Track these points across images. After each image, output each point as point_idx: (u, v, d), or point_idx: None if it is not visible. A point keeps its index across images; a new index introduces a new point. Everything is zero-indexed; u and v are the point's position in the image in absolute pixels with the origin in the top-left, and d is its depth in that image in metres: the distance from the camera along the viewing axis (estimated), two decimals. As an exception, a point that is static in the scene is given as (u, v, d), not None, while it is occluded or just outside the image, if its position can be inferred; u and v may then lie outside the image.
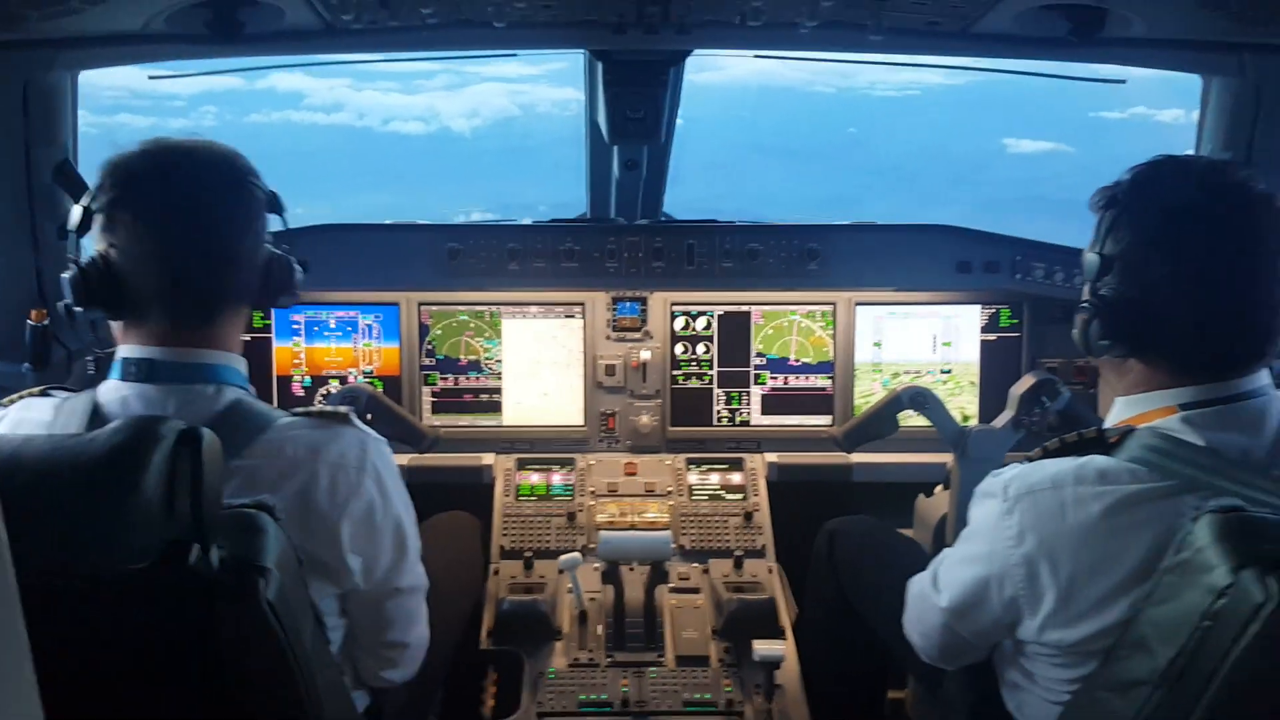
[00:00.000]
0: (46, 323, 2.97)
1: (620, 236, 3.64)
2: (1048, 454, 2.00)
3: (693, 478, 3.58)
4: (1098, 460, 1.90)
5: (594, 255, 3.63)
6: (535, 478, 3.56)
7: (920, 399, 2.99)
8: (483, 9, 2.63)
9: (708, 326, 3.72)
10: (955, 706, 2.44)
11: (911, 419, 3.04)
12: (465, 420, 3.71)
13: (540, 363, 3.72)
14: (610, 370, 3.69)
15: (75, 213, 2.05)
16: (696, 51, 3.11)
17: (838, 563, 3.00)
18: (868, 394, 3.71)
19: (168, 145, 2.05)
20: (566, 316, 3.71)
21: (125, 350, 2.06)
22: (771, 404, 3.74)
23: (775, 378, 3.73)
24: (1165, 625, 1.69)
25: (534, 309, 3.70)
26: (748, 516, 3.42)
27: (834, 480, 3.62)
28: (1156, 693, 1.68)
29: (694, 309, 3.71)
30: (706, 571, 3.21)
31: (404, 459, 3.40)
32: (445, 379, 3.71)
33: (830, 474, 3.61)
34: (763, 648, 2.62)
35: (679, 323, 3.72)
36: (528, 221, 3.79)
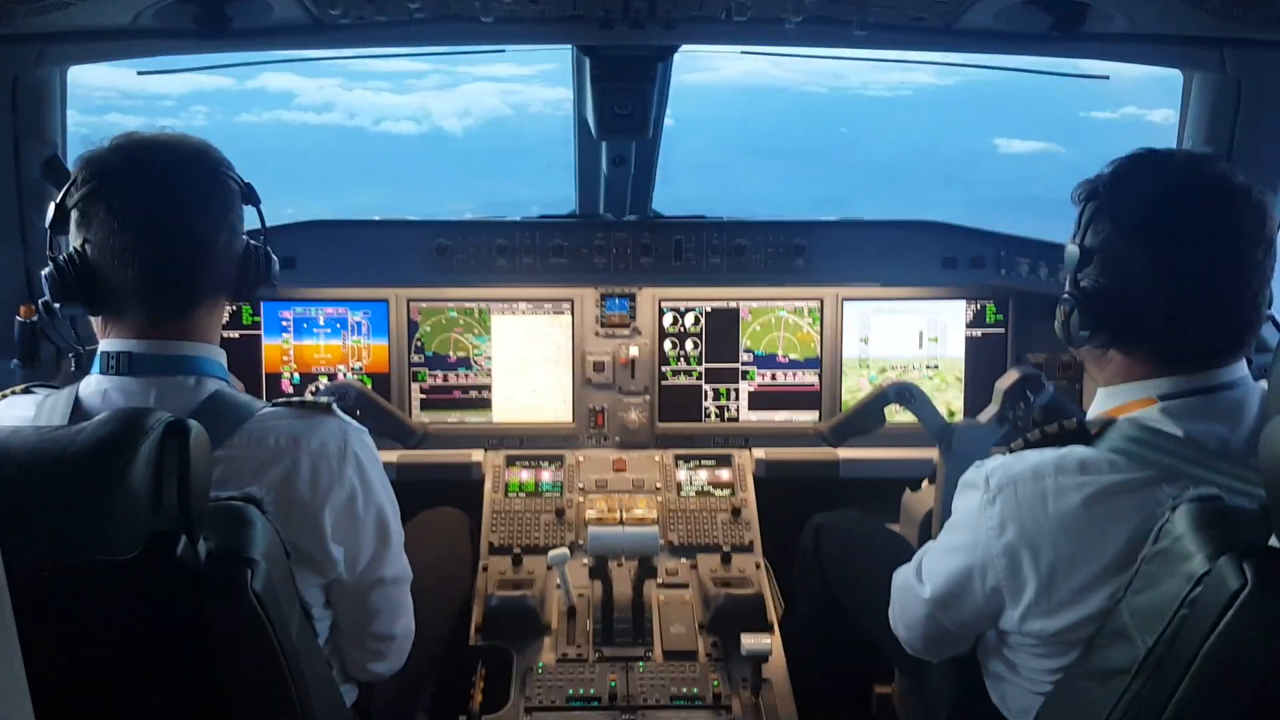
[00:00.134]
0: (35, 319, 2.98)
1: (609, 233, 3.66)
2: (1029, 445, 2.02)
3: (681, 474, 3.60)
4: (1078, 451, 1.92)
5: (582, 252, 3.64)
6: (525, 474, 3.57)
7: (906, 394, 3.01)
8: (470, 4, 2.64)
9: (696, 323, 3.73)
10: (940, 699, 2.46)
11: (898, 414, 3.06)
12: (454, 417, 3.72)
13: (529, 359, 3.72)
14: (599, 366, 3.70)
15: (50, 209, 2.06)
16: (685, 49, 3.12)
17: (824, 557, 3.02)
18: (855, 390, 3.72)
19: (140, 139, 2.07)
20: (555, 313, 3.72)
21: (105, 344, 2.08)
22: (759, 400, 3.75)
23: (763, 374, 3.75)
24: (1145, 613, 1.71)
25: (523, 305, 3.71)
26: (735, 512, 3.44)
27: (821, 476, 3.64)
28: (1136, 681, 1.70)
29: (682, 305, 3.73)
30: (694, 567, 3.22)
31: (393, 455, 3.42)
32: (434, 375, 3.71)
33: (817, 470, 3.62)
34: (750, 642, 2.63)
35: (667, 319, 3.73)
36: (517, 218, 3.80)
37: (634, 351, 3.69)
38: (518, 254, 3.62)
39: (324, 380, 3.63)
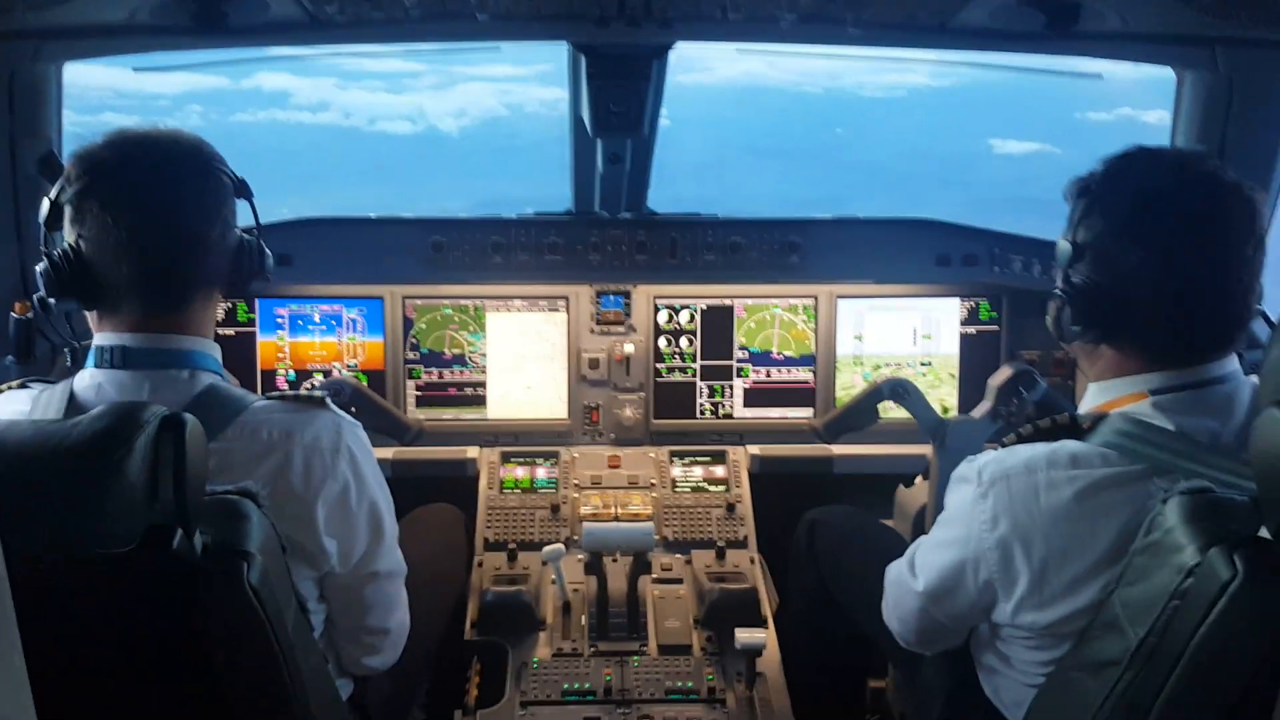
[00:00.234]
0: (30, 315, 2.98)
1: (604, 230, 3.66)
2: (1022, 440, 2.03)
3: (676, 470, 3.61)
4: (1070, 445, 1.94)
5: (577, 249, 3.64)
6: (520, 471, 3.58)
7: (900, 390, 3.03)
8: (465, 0, 2.64)
9: (691, 320, 3.74)
10: (933, 692, 2.47)
11: (892, 411, 3.07)
12: (449, 414, 3.72)
13: (524, 356, 3.73)
14: (594, 363, 3.71)
15: (45, 205, 2.06)
16: (680, 49, 3.13)
17: (818, 552, 3.03)
18: (849, 386, 3.73)
19: (133, 136, 2.07)
20: (550, 310, 3.72)
21: (99, 338, 2.09)
22: (754, 397, 3.76)
23: (758, 370, 3.76)
24: (1136, 605, 1.72)
25: (518, 302, 3.72)
26: (730, 508, 3.45)
27: (815, 472, 3.65)
28: (1128, 672, 1.71)
29: (677, 302, 3.74)
30: (689, 562, 3.23)
31: (389, 452, 3.43)
32: (429, 372, 3.72)
33: (812, 465, 3.63)
34: (745, 636, 2.64)
35: (662, 316, 3.74)
36: (512, 216, 3.80)
37: (629, 348, 3.70)
38: (513, 251, 3.62)
39: (319, 377, 3.63)
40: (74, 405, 1.99)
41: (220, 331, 3.41)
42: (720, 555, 3.20)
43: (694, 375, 3.76)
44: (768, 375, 3.76)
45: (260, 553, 1.75)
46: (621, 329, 3.73)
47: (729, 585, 3.04)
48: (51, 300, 2.08)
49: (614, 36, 2.91)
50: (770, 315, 3.75)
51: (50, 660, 1.38)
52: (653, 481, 3.56)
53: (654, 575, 3.12)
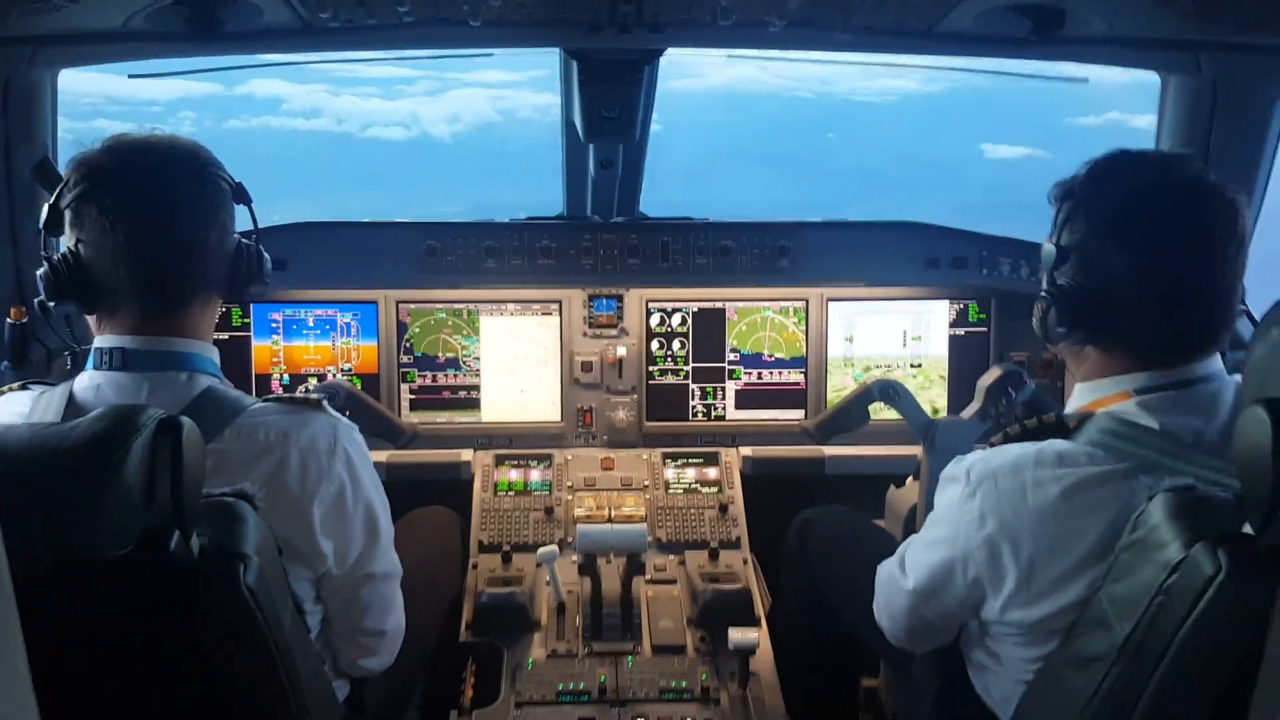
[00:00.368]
0: (25, 321, 2.99)
1: (596, 234, 3.69)
2: (1009, 439, 2.05)
3: (669, 472, 3.63)
4: (1057, 444, 1.96)
5: (570, 253, 3.66)
6: (513, 473, 3.60)
7: (890, 391, 3.05)
8: (459, 7, 2.66)
9: (683, 323, 3.76)
10: (924, 690, 2.48)
11: (882, 412, 3.10)
12: (444, 417, 3.74)
13: (518, 359, 3.75)
14: (587, 366, 3.73)
15: (44, 210, 2.08)
16: (671, 54, 3.16)
17: (810, 553, 3.05)
18: (840, 388, 3.76)
19: (131, 141, 2.10)
20: (543, 314, 3.74)
21: (99, 341, 2.11)
22: (746, 399, 3.79)
23: (749, 373, 3.78)
24: (1123, 601, 1.74)
25: (511, 306, 3.74)
26: (723, 509, 3.47)
27: (807, 473, 3.67)
28: (1115, 667, 1.73)
29: (669, 306, 3.76)
30: (682, 563, 3.25)
31: (383, 455, 3.43)
32: (423, 376, 3.74)
33: (803, 467, 3.66)
34: (738, 635, 2.66)
35: (654, 319, 3.76)
36: (505, 220, 3.82)
37: (621, 351, 3.72)
38: (506, 255, 3.64)
39: (314, 381, 3.65)
40: (73, 407, 2.01)
41: (215, 336, 3.42)
42: (713, 556, 3.22)
43: (686, 378, 3.78)
44: (759, 377, 3.79)
45: (257, 554, 1.76)
46: (614, 332, 3.75)
47: (722, 586, 3.06)
48: (51, 304, 2.10)
49: (606, 42, 2.94)
50: (761, 318, 3.77)
51: (49, 661, 1.39)
52: (646, 483, 3.58)
53: (648, 576, 3.14)
